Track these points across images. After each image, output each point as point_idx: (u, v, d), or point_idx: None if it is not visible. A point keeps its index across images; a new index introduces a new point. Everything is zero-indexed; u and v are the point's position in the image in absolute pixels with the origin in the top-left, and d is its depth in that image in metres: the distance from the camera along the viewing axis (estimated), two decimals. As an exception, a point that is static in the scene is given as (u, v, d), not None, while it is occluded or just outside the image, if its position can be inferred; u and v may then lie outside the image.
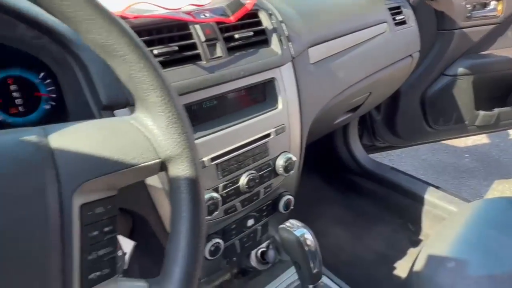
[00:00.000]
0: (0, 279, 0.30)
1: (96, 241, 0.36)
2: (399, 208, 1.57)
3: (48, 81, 0.69)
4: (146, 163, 0.37)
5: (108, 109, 0.60)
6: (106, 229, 0.36)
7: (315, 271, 0.74)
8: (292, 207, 0.90)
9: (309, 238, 0.73)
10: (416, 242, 1.47)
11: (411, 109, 1.67)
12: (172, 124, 0.38)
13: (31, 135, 0.34)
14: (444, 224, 1.04)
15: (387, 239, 1.51)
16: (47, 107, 0.69)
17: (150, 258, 0.76)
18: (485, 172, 2.35)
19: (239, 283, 0.92)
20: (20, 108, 0.67)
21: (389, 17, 1.17)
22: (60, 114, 0.70)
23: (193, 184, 0.39)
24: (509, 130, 2.40)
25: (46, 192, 0.33)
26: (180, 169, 0.39)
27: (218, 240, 0.77)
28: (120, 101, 0.59)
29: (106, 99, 0.58)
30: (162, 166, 0.39)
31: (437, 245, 0.91)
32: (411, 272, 0.88)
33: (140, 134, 0.38)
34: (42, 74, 0.68)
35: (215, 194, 0.71)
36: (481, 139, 2.63)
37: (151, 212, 0.67)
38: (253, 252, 0.95)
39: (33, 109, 0.68)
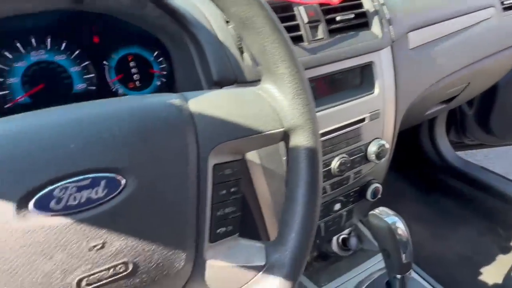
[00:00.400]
0: (147, 224, 0.34)
1: (224, 199, 0.39)
2: (488, 211, 1.46)
3: (161, 59, 0.75)
4: (271, 131, 0.40)
5: (217, 85, 0.63)
6: (232, 189, 0.40)
7: (405, 261, 0.72)
8: (379, 196, 0.88)
9: (400, 226, 0.71)
10: (507, 249, 1.36)
11: (509, 105, 1.52)
12: (298, 95, 0.40)
13: (175, 99, 0.38)
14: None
15: (472, 242, 1.41)
16: (158, 83, 0.75)
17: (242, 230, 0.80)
18: None
19: (319, 266, 0.93)
20: (137, 83, 0.74)
21: (497, 1, 1.07)
22: (169, 90, 0.76)
23: (313, 154, 0.40)
24: None
25: (187, 150, 0.36)
26: (302, 139, 0.40)
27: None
28: (228, 78, 0.63)
29: (216, 75, 0.62)
30: (284, 136, 0.41)
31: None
32: (508, 279, 0.82)
33: (267, 103, 0.40)
34: (156, 52, 0.74)
35: None
36: None
37: (247, 186, 0.70)
38: (334, 238, 0.96)
39: (147, 85, 0.75)
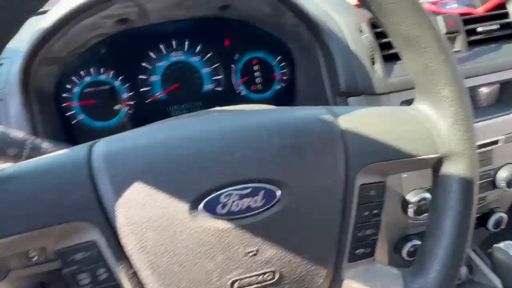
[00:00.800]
0: (295, 236, 0.35)
1: (366, 220, 0.38)
2: None
3: (283, 64, 0.76)
4: (423, 156, 0.38)
5: (343, 95, 0.62)
6: (375, 211, 0.38)
7: (534, 305, 0.64)
8: (503, 226, 0.80)
9: (533, 267, 0.63)
10: None
11: None
12: (459, 120, 0.37)
13: (326, 115, 0.38)
14: None
15: None
16: (278, 87, 0.77)
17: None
18: None
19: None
20: (258, 86, 0.76)
21: None
22: (287, 95, 0.78)
23: (468, 185, 0.37)
24: None
25: (336, 168, 0.36)
26: (457, 168, 0.37)
27: (418, 242, 0.74)
28: (356, 88, 0.61)
29: (344, 85, 0.61)
30: (437, 162, 0.38)
31: None
32: None
33: (422, 126, 0.38)
34: (279, 57, 0.76)
35: (426, 195, 0.68)
36: None
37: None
38: (441, 263, 0.89)
39: (267, 88, 0.77)
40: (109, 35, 0.61)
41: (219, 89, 0.74)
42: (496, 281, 0.84)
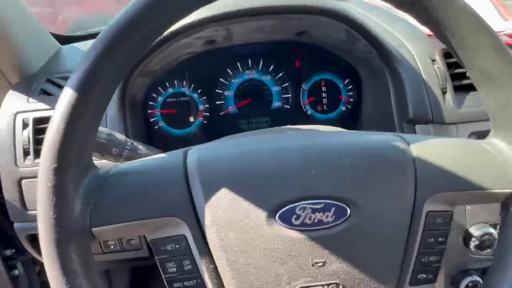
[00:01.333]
0: (361, 253, 0.37)
1: (430, 247, 0.39)
2: None
3: (350, 87, 0.79)
4: (494, 190, 0.38)
5: (410, 123, 0.64)
6: (440, 239, 0.40)
7: None
8: None
9: None
10: None
11: None
12: None
13: (398, 141, 0.40)
14: None
15: None
16: (343, 108, 0.80)
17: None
18: None
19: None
20: (325, 107, 0.80)
21: None
22: (352, 117, 0.80)
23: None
24: None
25: (405, 193, 0.38)
26: None
27: (477, 278, 0.72)
28: (425, 117, 0.62)
29: (412, 113, 0.62)
30: (507, 198, 0.39)
31: None
32: None
33: (495, 160, 0.39)
34: (346, 80, 0.78)
35: (491, 230, 0.66)
36: None
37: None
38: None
39: (333, 109, 0.80)
40: (196, 53, 0.68)
41: (287, 107, 0.78)
42: None
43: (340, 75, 0.78)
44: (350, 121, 0.79)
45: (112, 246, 0.67)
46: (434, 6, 0.35)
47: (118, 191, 0.36)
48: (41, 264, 1.02)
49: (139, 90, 0.68)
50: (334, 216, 0.36)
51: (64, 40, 0.83)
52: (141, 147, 0.50)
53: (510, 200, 0.39)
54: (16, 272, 0.96)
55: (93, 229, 0.34)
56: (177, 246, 0.37)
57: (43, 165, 0.32)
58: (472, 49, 0.37)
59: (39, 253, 0.66)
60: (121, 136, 0.50)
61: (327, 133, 0.42)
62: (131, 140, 0.51)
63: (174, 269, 0.37)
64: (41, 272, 1.03)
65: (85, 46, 0.78)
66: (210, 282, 0.37)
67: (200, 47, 0.65)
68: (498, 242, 0.40)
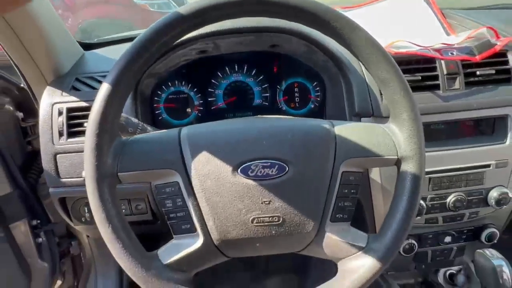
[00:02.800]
0: (296, 197, 0.55)
1: (345, 195, 0.57)
2: None
3: (317, 88, 0.97)
4: (388, 156, 0.57)
5: (357, 116, 0.82)
6: (352, 191, 0.58)
7: (505, 303, 0.77)
8: (495, 241, 0.92)
9: (506, 271, 0.77)
10: None
11: None
12: (413, 135, 0.56)
13: (326, 124, 0.59)
14: None
15: None
16: (312, 106, 0.98)
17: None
18: None
19: (422, 291, 1.02)
20: (297, 104, 0.98)
21: None
22: (318, 113, 0.98)
23: (416, 180, 0.56)
24: None
25: (328, 158, 0.56)
26: (410, 167, 0.56)
27: (413, 241, 0.90)
28: (367, 111, 0.81)
29: (358, 108, 0.81)
30: (397, 162, 0.57)
31: None
32: None
33: (389, 137, 0.57)
34: (315, 83, 0.97)
35: (421, 202, 0.84)
36: None
37: (367, 199, 0.86)
38: (442, 270, 1.02)
39: (303, 106, 0.98)
40: (192, 60, 0.87)
41: (266, 104, 0.97)
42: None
43: (309, 79, 0.97)
44: (317, 116, 0.98)
45: (124, 210, 0.86)
46: (342, 32, 0.53)
47: (135, 151, 0.54)
48: (60, 236, 1.20)
49: (147, 88, 0.87)
50: (277, 171, 0.55)
51: (85, 46, 1.02)
52: (149, 128, 0.69)
53: (399, 163, 0.57)
54: (39, 240, 1.13)
55: (119, 173, 0.53)
56: (172, 189, 0.55)
57: (89, 131, 0.51)
58: (373, 63, 0.56)
59: (66, 212, 0.85)
60: (135, 120, 0.69)
61: (279, 118, 0.60)
62: (142, 123, 0.70)
63: (170, 205, 0.56)
64: (60, 243, 1.21)
65: (103, 51, 0.98)
66: (194, 213, 0.55)
67: (195, 55, 0.85)
68: (393, 193, 0.58)
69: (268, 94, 0.97)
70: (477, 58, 0.82)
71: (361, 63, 0.82)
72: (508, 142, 0.86)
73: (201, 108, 0.96)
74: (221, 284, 1.30)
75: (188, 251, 0.55)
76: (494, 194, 0.86)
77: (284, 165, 0.55)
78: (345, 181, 0.57)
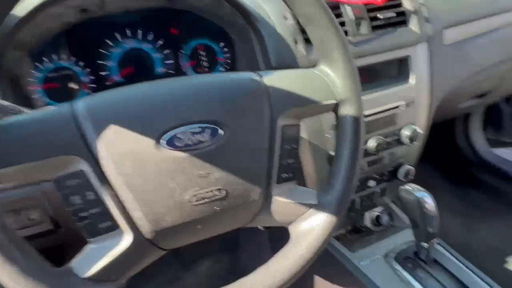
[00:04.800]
0: (236, 163, 0.48)
1: (287, 152, 0.52)
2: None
3: (226, 49, 0.89)
4: (326, 102, 0.52)
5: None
6: (294, 145, 0.52)
7: (431, 231, 0.82)
8: (411, 177, 0.98)
9: (429, 201, 0.81)
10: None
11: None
12: (348, 75, 0.52)
13: (254, 76, 0.51)
14: None
15: (502, 234, 1.46)
16: (222, 69, 0.89)
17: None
18: None
19: (353, 238, 1.04)
20: (205, 69, 0.88)
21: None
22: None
23: (357, 121, 0.52)
24: None
25: (264, 113, 0.49)
26: (349, 109, 0.52)
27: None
28: (284, 64, 0.76)
29: (275, 62, 0.75)
30: (335, 106, 0.53)
31: None
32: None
33: (323, 81, 0.52)
34: (222, 43, 0.88)
35: None
36: None
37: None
38: (366, 214, 1.06)
39: (213, 70, 0.89)
40: (71, 24, 0.70)
41: (171, 71, 0.85)
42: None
43: (215, 39, 0.87)
44: (229, 79, 0.90)
45: (12, 225, 0.67)
46: None
47: (11, 137, 0.39)
48: None
49: (16, 65, 0.67)
50: (210, 136, 0.46)
51: None
52: (26, 110, 0.53)
53: (336, 107, 0.53)
54: None
55: None
56: (77, 181, 0.42)
57: None
58: (297, 1, 0.49)
59: None
60: (5, 102, 0.51)
61: (198, 76, 0.51)
62: (17, 106, 0.52)
63: (79, 201, 0.42)
64: None
65: None
66: (112, 207, 0.43)
67: (74, 16, 0.68)
68: (336, 141, 0.54)
69: (172, 61, 0.85)
70: (380, 1, 0.83)
71: (271, 14, 0.76)
72: (411, 82, 0.90)
73: (94, 85, 0.79)
74: (151, 280, 1.18)
75: (114, 254, 0.44)
76: (406, 132, 0.91)
77: (217, 127, 0.46)
78: (285, 136, 0.51)
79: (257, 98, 0.49)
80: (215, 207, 0.47)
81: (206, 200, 0.46)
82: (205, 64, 0.88)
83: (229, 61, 0.89)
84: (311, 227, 0.52)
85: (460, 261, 0.89)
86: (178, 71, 0.86)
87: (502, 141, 1.78)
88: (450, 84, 1.00)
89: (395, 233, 1.00)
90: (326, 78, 0.53)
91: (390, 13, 0.86)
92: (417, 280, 0.84)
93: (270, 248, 1.13)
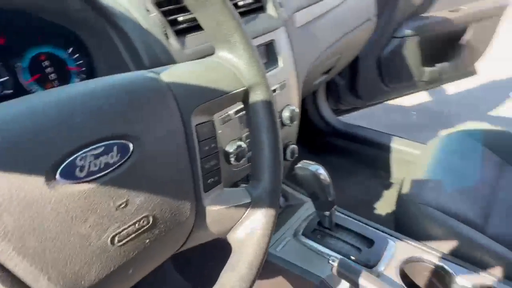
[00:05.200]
0: (156, 180, 0.39)
1: (208, 153, 0.45)
2: (370, 159, 1.77)
3: (77, 55, 0.73)
4: (235, 91, 0.47)
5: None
6: (213, 145, 0.46)
7: (330, 199, 0.87)
8: (296, 155, 1.03)
9: (322, 172, 0.86)
10: (388, 186, 1.68)
11: (369, 72, 1.85)
12: (252, 58, 0.48)
13: (148, 74, 0.42)
14: (417, 158, 1.22)
15: (362, 187, 1.70)
16: (78, 80, 0.74)
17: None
18: (431, 125, 2.65)
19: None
20: (55, 83, 0.71)
21: (350, -15, 1.31)
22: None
23: (270, 104, 0.49)
24: (445, 85, 2.69)
25: (172, 114, 0.41)
26: (260, 94, 0.49)
27: (244, 184, 0.88)
28: (160, 62, 0.67)
29: (148, 61, 0.65)
30: (244, 94, 0.49)
31: (417, 173, 1.09)
32: (399, 197, 1.05)
33: (227, 68, 0.47)
34: (70, 49, 0.73)
35: (240, 143, 0.81)
36: (425, 97, 2.93)
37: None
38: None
39: (66, 83, 0.73)
40: None
41: (8, 92, 0.65)
42: (305, 196, 1.08)
43: (60, 44, 0.71)
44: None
45: None
46: None
47: None
48: None
49: None
50: (119, 155, 0.35)
51: None
52: None
53: (245, 95, 0.49)
54: None
55: None
56: None
57: None
58: None
59: None
60: None
61: (77, 84, 0.39)
62: None
63: None
64: None
65: None
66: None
67: None
68: (250, 132, 0.50)
69: (6, 78, 0.65)
70: (237, -13, 0.82)
71: (130, 7, 0.66)
72: (280, 65, 0.93)
73: None
74: None
75: None
76: (286, 114, 0.93)
77: (123, 142, 0.36)
78: (202, 136, 0.44)
79: (162, 99, 0.41)
80: (145, 240, 0.37)
81: (132, 235, 0.36)
82: (53, 76, 0.71)
83: (84, 69, 0.74)
84: (251, 231, 0.47)
85: (356, 219, 0.98)
86: (19, 90, 0.67)
87: (341, 109, 2.07)
88: (308, 62, 1.08)
89: (296, 211, 1.03)
90: (229, 65, 0.48)
91: (248, 0, 0.86)
92: (327, 247, 0.89)
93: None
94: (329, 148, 1.89)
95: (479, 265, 0.84)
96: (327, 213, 0.89)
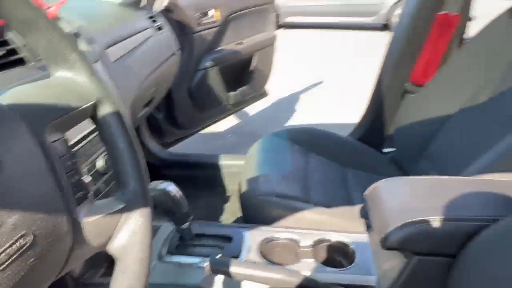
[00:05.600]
0: (27, 197, 0.37)
1: (71, 168, 0.45)
2: (206, 180, 1.90)
3: None
4: (84, 106, 0.48)
5: None
6: (73, 160, 0.46)
7: (185, 210, 0.92)
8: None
9: (173, 187, 0.91)
10: (227, 198, 1.84)
11: (183, 102, 2.00)
12: (93, 74, 0.50)
13: None
14: (244, 168, 1.41)
15: (210, 206, 1.80)
16: None
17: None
18: (245, 143, 3.02)
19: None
20: None
21: (150, 24, 1.43)
22: None
23: (121, 115, 0.52)
24: (248, 108, 3.12)
25: (21, 136, 0.40)
26: (109, 106, 0.51)
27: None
28: None
29: None
30: (93, 109, 0.50)
31: (248, 174, 1.26)
32: (241, 196, 1.19)
33: (71, 85, 0.48)
34: None
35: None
36: (236, 120, 3.32)
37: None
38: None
39: None
40: None
41: None
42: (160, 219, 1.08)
43: None
44: None
45: None
46: None
47: None
48: None
49: None
50: None
51: None
52: None
53: (94, 110, 0.51)
54: None
55: None
56: None
57: None
58: (11, 5, 0.42)
59: None
60: None
61: None
62: None
63: None
64: None
65: None
66: None
67: None
68: (106, 145, 0.52)
69: None
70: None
71: None
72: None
73: None
74: None
75: None
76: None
77: None
78: (60, 152, 0.44)
79: (6, 123, 0.39)
80: (30, 260, 0.35)
81: (14, 256, 0.33)
82: None
83: None
84: (132, 231, 0.48)
85: (211, 224, 1.05)
86: None
87: (167, 142, 2.14)
88: (131, 94, 1.11)
89: (155, 235, 1.03)
90: (71, 82, 0.49)
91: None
92: (194, 256, 0.93)
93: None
94: (167, 179, 1.92)
95: (313, 227, 1.05)
96: (185, 225, 0.94)
